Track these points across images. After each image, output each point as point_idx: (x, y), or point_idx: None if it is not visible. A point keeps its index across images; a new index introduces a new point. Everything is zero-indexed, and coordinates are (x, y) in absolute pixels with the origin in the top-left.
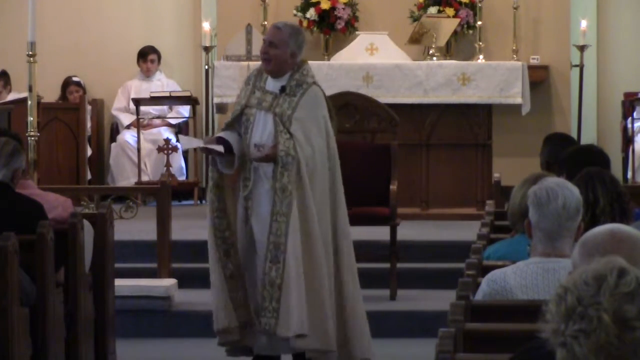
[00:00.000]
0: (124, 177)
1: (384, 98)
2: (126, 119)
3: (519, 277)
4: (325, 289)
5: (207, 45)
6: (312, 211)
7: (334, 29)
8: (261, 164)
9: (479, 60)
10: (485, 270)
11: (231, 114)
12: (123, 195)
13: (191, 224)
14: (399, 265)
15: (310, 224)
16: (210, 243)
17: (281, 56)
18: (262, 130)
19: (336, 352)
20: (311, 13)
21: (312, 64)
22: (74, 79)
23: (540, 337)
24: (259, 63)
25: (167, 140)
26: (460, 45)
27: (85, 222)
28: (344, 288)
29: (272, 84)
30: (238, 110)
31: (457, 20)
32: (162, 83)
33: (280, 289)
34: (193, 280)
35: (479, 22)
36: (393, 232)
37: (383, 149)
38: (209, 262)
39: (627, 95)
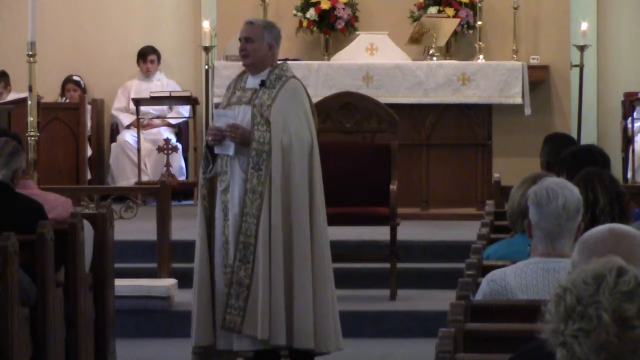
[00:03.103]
0: (124, 177)
1: (384, 98)
2: (126, 119)
3: (519, 277)
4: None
5: (207, 45)
6: (279, 210)
7: (334, 29)
8: (236, 160)
9: (479, 60)
10: (485, 270)
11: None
12: (123, 195)
13: (191, 224)
14: (399, 265)
15: (312, 227)
16: (201, 255)
17: (258, 49)
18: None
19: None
20: (311, 13)
21: (312, 64)
22: (74, 77)
23: (540, 337)
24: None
25: (167, 140)
26: (460, 45)
27: (85, 222)
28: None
29: (251, 82)
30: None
31: (457, 20)
32: (162, 83)
33: (249, 289)
34: (193, 280)
35: (479, 22)
36: (393, 232)
37: (383, 149)
38: (198, 271)
39: (627, 95)
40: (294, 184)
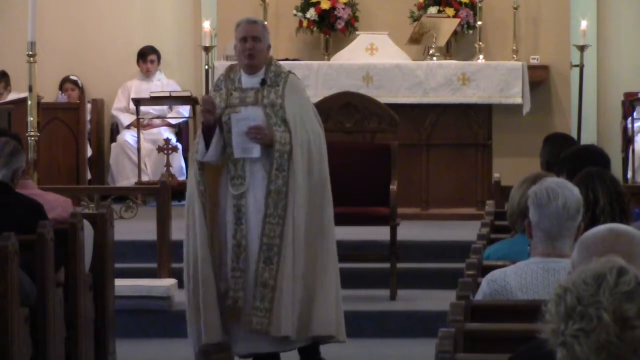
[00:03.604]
0: (124, 177)
1: (384, 98)
2: (126, 119)
3: (519, 277)
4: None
5: (207, 45)
6: (305, 209)
7: (334, 29)
8: (256, 162)
9: (479, 60)
10: (485, 270)
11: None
12: (123, 195)
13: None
14: (399, 265)
15: (319, 222)
16: (203, 255)
17: (262, 49)
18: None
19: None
20: (311, 13)
21: (312, 64)
22: (71, 77)
23: (539, 337)
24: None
25: (167, 140)
26: (460, 45)
27: (85, 222)
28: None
29: (249, 81)
30: (219, 114)
31: (457, 20)
32: (162, 83)
33: (274, 291)
34: None
35: (479, 22)
36: (393, 232)
37: (383, 149)
38: (200, 270)
39: (627, 95)
40: (314, 181)
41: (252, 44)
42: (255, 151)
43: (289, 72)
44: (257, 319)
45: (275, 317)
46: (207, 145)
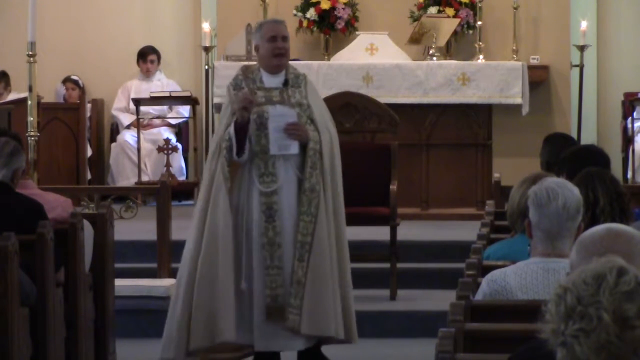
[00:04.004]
0: (124, 177)
1: (384, 98)
2: (126, 119)
3: (519, 277)
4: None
5: (207, 45)
6: (332, 208)
7: (334, 29)
8: (288, 159)
9: (479, 60)
10: (485, 270)
11: (230, 120)
12: (123, 195)
13: (191, 224)
14: (399, 265)
15: (335, 222)
16: (225, 250)
17: (289, 50)
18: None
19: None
20: (311, 13)
21: (312, 64)
22: (72, 77)
23: (539, 337)
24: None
25: (167, 140)
26: (460, 45)
27: (85, 222)
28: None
29: (271, 81)
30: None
31: (457, 20)
32: (162, 83)
33: (304, 288)
34: None
35: (479, 22)
36: (393, 232)
37: (383, 149)
38: (221, 265)
39: (627, 95)
40: (337, 179)
41: (282, 43)
42: (293, 148)
43: (304, 73)
44: (292, 316)
45: (306, 314)
46: (239, 144)
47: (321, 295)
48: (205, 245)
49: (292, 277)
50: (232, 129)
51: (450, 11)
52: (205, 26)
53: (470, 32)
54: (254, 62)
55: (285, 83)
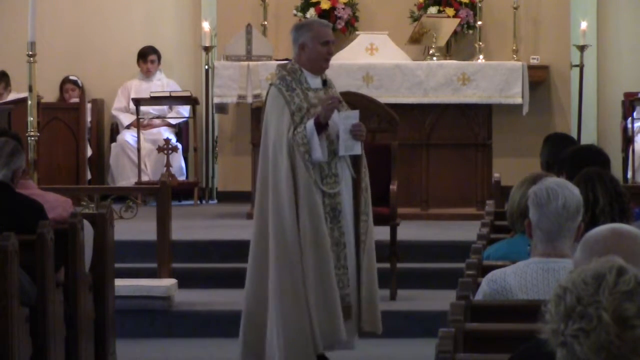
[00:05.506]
0: (124, 177)
1: (384, 98)
2: (126, 119)
3: (519, 277)
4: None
5: (207, 45)
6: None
7: (334, 29)
8: (342, 160)
9: (479, 60)
10: (485, 270)
11: (290, 121)
12: (123, 195)
13: (191, 224)
14: (399, 265)
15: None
16: (322, 246)
17: None
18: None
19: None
20: (311, 13)
21: None
22: (71, 77)
23: (539, 337)
24: (260, 63)
25: (167, 140)
26: (460, 45)
27: (85, 222)
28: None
29: (314, 82)
30: (303, 113)
31: (457, 20)
32: (162, 83)
33: (364, 286)
34: (193, 280)
35: (479, 22)
36: (393, 232)
37: (383, 149)
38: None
39: (627, 95)
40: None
41: (331, 48)
42: (357, 148)
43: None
44: (362, 316)
45: (366, 313)
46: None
47: (374, 293)
48: (313, 249)
49: (357, 276)
50: (309, 130)
51: (450, 11)
52: (205, 26)
53: (470, 32)
54: (286, 61)
55: (325, 83)
